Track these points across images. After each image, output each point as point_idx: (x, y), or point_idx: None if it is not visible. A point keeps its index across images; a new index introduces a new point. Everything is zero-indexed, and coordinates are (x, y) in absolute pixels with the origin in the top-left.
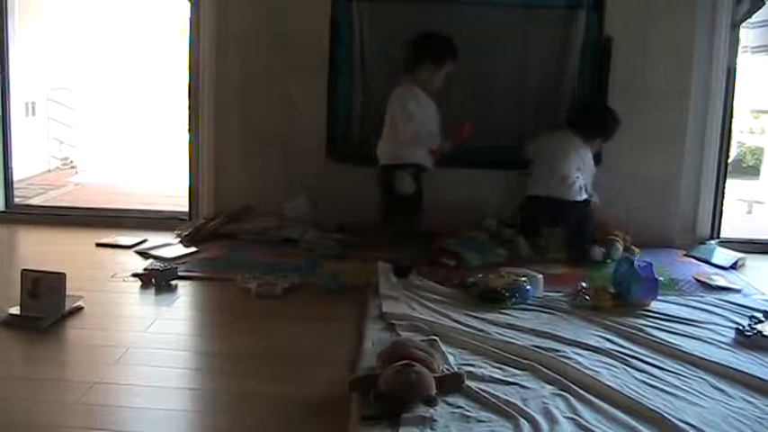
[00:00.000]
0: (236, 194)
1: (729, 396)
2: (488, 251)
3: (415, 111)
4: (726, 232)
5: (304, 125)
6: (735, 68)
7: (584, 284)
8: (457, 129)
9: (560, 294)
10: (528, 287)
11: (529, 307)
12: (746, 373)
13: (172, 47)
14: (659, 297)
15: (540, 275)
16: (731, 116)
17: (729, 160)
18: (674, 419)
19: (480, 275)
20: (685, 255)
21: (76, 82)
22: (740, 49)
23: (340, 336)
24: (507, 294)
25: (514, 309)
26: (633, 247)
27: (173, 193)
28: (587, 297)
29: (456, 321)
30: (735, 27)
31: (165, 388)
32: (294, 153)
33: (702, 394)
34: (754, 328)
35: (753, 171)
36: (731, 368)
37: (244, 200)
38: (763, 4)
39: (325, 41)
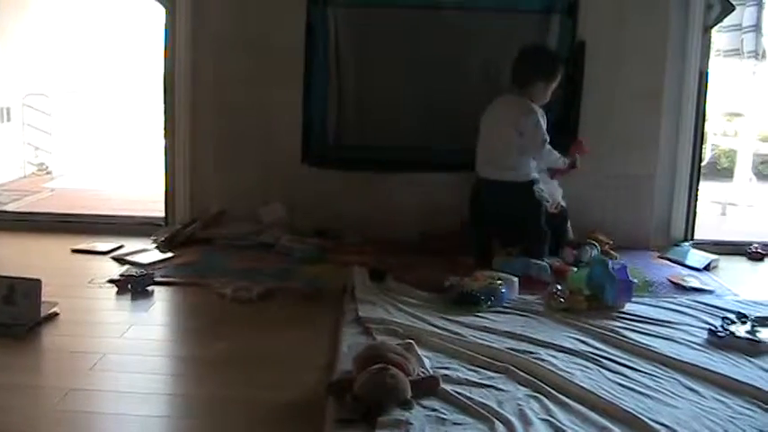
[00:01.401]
0: (212, 199)
1: (702, 396)
2: None
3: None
4: (701, 234)
5: (280, 130)
6: (707, 72)
7: (558, 287)
8: (577, 145)
9: (535, 297)
10: (503, 290)
11: (504, 310)
12: (719, 374)
13: (148, 52)
14: (633, 299)
15: (516, 278)
16: (704, 119)
17: (704, 163)
18: (647, 420)
19: (456, 278)
20: (660, 256)
21: (52, 87)
22: (713, 53)
23: (316, 340)
24: (483, 298)
25: (490, 312)
26: (612, 252)
27: (149, 198)
28: (562, 299)
29: (432, 325)
30: (706, 31)
31: (141, 394)
32: (270, 158)
33: (675, 394)
34: (727, 329)
35: (727, 173)
36: (704, 368)
37: (220, 205)
38: (734, 8)
39: (301, 47)
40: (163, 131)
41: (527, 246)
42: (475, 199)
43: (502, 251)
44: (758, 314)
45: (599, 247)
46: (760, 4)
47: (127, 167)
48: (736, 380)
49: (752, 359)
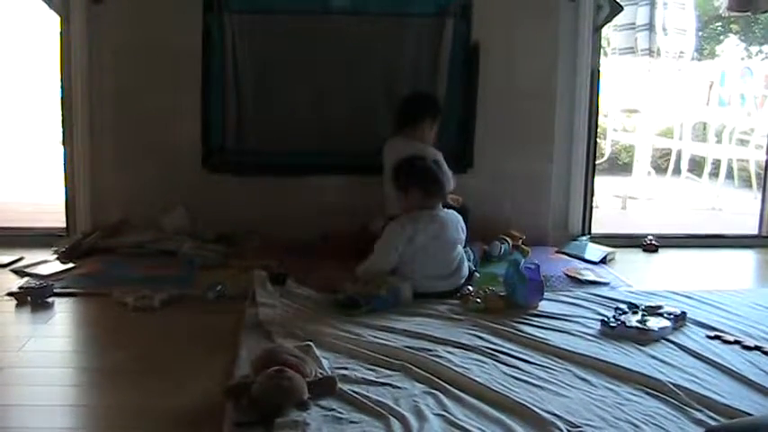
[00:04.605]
0: (113, 208)
1: (593, 385)
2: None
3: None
4: (603, 227)
5: (179, 136)
6: (598, 70)
7: (469, 288)
8: None
9: (438, 300)
10: (387, 295)
11: (406, 310)
12: (609, 363)
13: (44, 59)
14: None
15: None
16: (597, 115)
17: (604, 158)
18: (538, 410)
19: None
20: (558, 251)
21: None
22: (609, 51)
23: (217, 345)
24: (361, 301)
25: (392, 312)
26: (524, 247)
27: (51, 208)
28: (478, 300)
29: (332, 326)
30: (596, 30)
31: (43, 406)
32: (171, 164)
33: (567, 385)
34: (619, 320)
35: (627, 168)
36: (595, 358)
37: (121, 213)
38: (622, 9)
39: (199, 52)
40: (61, 140)
41: None
42: None
43: None
44: (648, 304)
45: (510, 243)
46: (652, 4)
47: (27, 178)
48: (626, 368)
49: (641, 347)
